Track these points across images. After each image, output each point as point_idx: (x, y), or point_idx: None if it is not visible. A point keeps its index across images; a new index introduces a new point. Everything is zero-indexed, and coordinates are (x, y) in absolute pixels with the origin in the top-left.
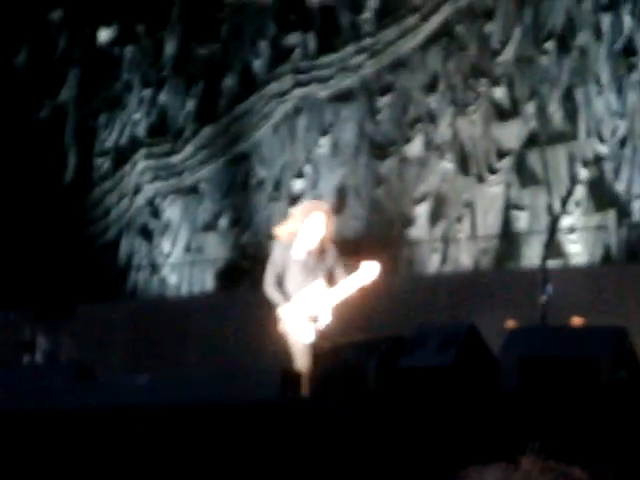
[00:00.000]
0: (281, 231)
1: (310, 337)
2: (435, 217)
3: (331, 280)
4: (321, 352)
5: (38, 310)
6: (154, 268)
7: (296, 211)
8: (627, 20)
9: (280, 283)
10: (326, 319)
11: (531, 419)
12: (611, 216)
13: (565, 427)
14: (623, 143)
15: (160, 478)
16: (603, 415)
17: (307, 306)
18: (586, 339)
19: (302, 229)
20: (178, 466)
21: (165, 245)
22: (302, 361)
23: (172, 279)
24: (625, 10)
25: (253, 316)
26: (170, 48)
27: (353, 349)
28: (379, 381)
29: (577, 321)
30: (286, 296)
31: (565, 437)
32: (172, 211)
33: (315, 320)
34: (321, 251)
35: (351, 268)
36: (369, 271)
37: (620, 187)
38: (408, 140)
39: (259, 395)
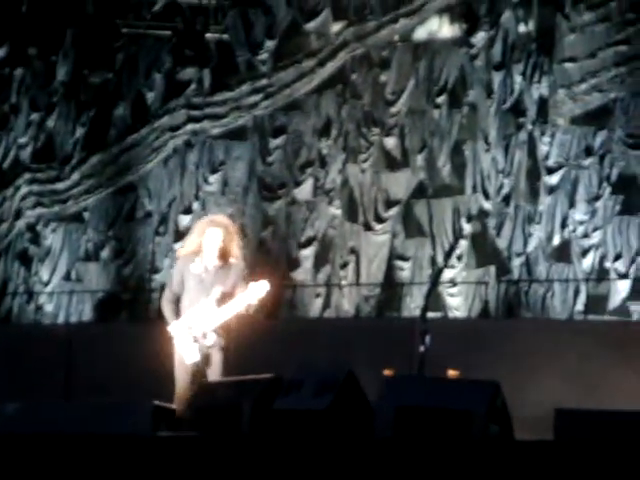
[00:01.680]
0: (182, 250)
1: (193, 357)
2: (320, 262)
3: (231, 298)
4: (196, 389)
5: None
6: (31, 295)
7: (194, 227)
8: (518, 80)
9: (178, 299)
10: (210, 339)
11: (402, 468)
12: (491, 272)
13: (434, 478)
14: (507, 201)
15: None
16: (473, 468)
17: (193, 325)
18: (460, 392)
19: (201, 245)
20: None
21: (44, 272)
22: (182, 384)
23: (49, 307)
24: (516, 70)
25: (131, 349)
26: (62, 73)
27: (228, 388)
28: (253, 422)
29: (452, 373)
30: (180, 313)
31: None
32: (53, 238)
33: (199, 340)
34: (222, 267)
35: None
36: (257, 290)
37: (501, 244)
38: (298, 183)
39: (129, 430)
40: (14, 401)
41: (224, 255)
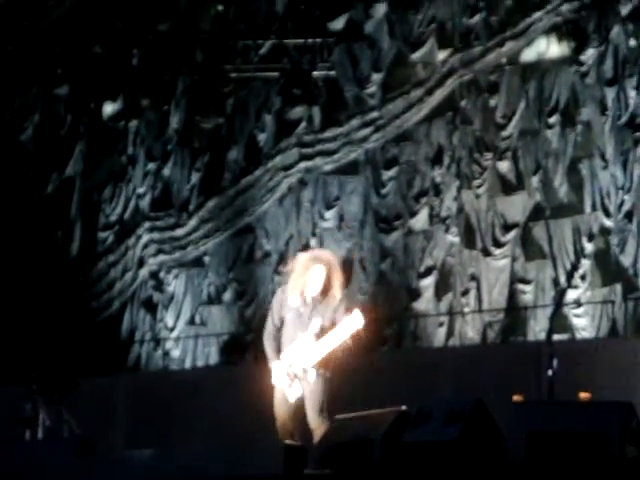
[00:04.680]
0: (289, 287)
1: (296, 395)
2: (441, 290)
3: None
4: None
5: (40, 384)
6: (157, 341)
7: (296, 264)
8: (632, 94)
9: (278, 333)
10: (311, 376)
11: None
12: (617, 290)
13: None
14: (629, 217)
15: None
16: None
17: (293, 362)
18: (593, 414)
19: (303, 280)
20: None
21: (169, 318)
22: (282, 421)
23: (175, 353)
24: (629, 85)
25: (258, 390)
26: (175, 122)
27: (358, 423)
28: (384, 455)
29: (584, 396)
30: (280, 348)
31: None
32: (176, 284)
33: (299, 377)
34: (322, 301)
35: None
36: (352, 322)
37: (626, 261)
38: (413, 213)
39: (263, 471)
40: (146, 448)
41: (325, 290)
